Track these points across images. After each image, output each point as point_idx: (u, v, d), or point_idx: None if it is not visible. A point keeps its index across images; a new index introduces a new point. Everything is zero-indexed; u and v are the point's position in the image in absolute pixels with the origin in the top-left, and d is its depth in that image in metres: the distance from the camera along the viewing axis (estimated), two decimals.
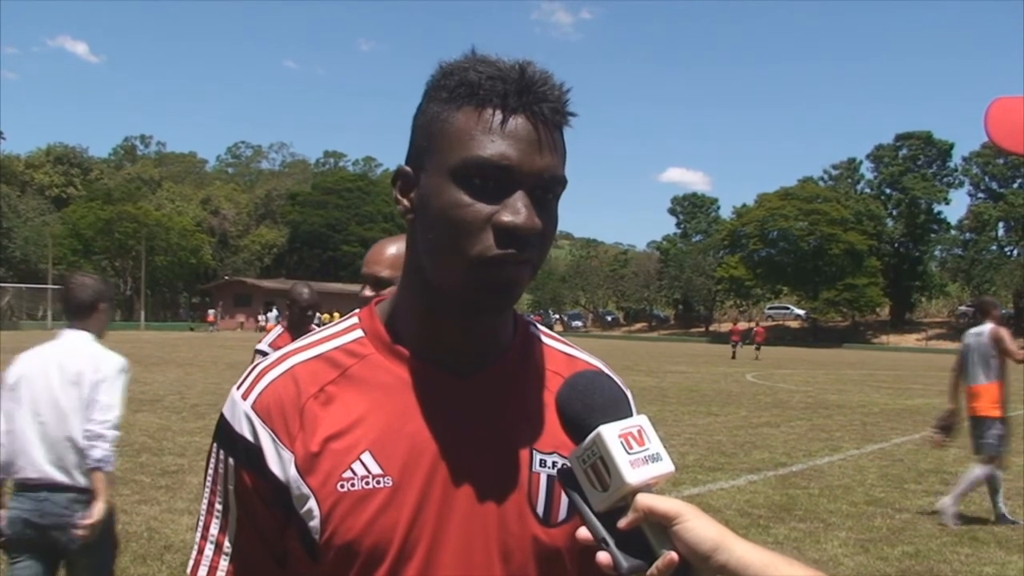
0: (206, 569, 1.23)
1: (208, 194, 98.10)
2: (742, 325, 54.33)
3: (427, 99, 1.18)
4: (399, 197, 1.21)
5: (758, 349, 47.41)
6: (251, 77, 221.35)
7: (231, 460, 1.20)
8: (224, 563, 1.22)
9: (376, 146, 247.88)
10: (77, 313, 4.23)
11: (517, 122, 1.11)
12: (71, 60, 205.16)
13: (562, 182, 1.15)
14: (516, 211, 1.09)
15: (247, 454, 1.18)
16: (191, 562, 1.25)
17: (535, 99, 1.12)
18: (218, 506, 1.23)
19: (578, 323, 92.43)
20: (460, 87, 1.13)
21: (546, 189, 1.13)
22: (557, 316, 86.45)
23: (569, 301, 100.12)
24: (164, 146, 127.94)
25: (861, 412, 18.55)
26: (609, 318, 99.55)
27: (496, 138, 1.10)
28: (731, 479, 10.28)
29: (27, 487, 3.95)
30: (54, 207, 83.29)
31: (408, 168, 1.20)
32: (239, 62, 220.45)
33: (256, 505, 1.19)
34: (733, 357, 44.80)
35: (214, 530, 1.23)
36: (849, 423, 16.39)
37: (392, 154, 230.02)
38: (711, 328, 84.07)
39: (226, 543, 1.22)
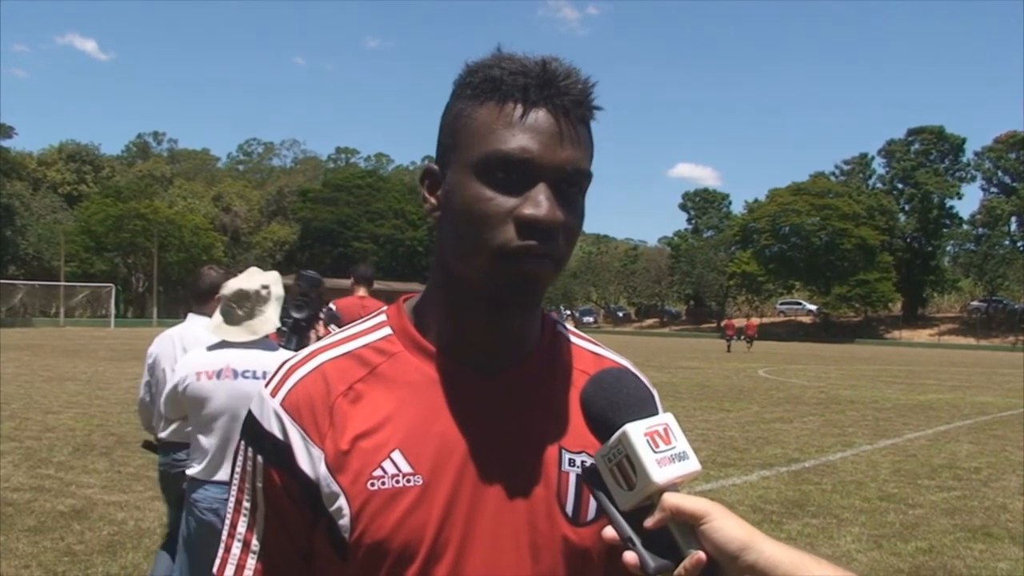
0: (233, 567, 1.23)
1: (219, 191, 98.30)
2: (739, 320, 55.09)
3: (454, 97, 1.18)
4: (427, 195, 1.21)
5: (750, 343, 48.57)
6: (261, 74, 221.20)
7: (259, 458, 1.20)
8: (252, 561, 1.22)
9: (389, 142, 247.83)
10: (198, 299, 4.94)
11: (538, 115, 1.11)
12: (80, 58, 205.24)
13: (586, 175, 1.15)
14: (537, 204, 1.08)
15: (276, 452, 1.18)
16: (217, 560, 1.25)
17: (556, 92, 1.12)
18: (246, 504, 1.23)
19: (589, 319, 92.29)
20: (484, 83, 1.13)
21: (570, 182, 1.13)
22: (569, 312, 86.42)
23: (580, 297, 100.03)
24: (176, 143, 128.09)
25: (874, 408, 18.48)
26: (620, 314, 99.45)
27: (517, 131, 1.10)
28: (743, 475, 10.26)
29: (163, 445, 4.69)
30: (66, 204, 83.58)
31: (435, 166, 1.20)
32: (247, 59, 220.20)
33: (284, 503, 1.19)
34: (728, 350, 45.81)
35: (241, 528, 1.23)
36: (862, 419, 16.34)
37: (404, 151, 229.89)
38: (723, 324, 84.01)
39: (254, 541, 1.22)
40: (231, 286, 3.97)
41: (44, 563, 6.26)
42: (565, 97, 1.12)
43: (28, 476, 9.09)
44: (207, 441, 3.86)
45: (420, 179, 1.23)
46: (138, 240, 74.56)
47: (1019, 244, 79.50)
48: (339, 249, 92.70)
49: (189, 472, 3.96)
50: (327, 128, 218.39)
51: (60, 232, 71.80)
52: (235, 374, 3.82)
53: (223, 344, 3.92)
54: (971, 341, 71.57)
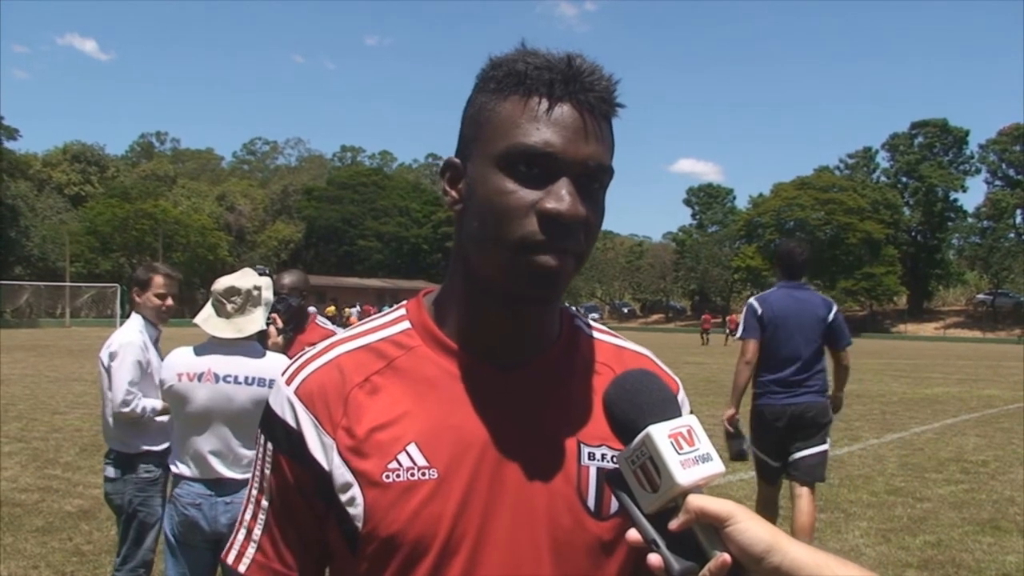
0: (238, 554, 1.24)
1: (224, 190, 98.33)
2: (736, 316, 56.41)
3: (476, 91, 1.18)
4: (447, 188, 1.21)
5: (728, 336, 50.03)
6: (262, 73, 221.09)
7: (271, 445, 1.21)
8: (254, 550, 1.23)
9: (393, 141, 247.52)
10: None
11: (563, 110, 1.11)
12: (81, 58, 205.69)
13: (608, 172, 1.15)
14: (560, 198, 1.08)
15: (288, 439, 1.18)
16: (228, 546, 1.26)
17: (581, 88, 1.12)
18: (256, 492, 1.24)
19: (595, 315, 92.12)
20: (508, 77, 1.13)
21: (592, 178, 1.12)
22: (574, 308, 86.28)
23: (585, 293, 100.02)
24: (179, 143, 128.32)
25: (880, 401, 18.45)
26: (625, 310, 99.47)
27: (541, 125, 1.10)
28: (750, 470, 10.20)
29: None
30: (71, 205, 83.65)
31: (457, 159, 1.20)
32: (247, 58, 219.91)
33: (294, 492, 1.19)
34: (704, 344, 47.45)
35: (249, 515, 1.24)
36: (868, 413, 16.30)
37: (407, 149, 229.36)
38: (728, 319, 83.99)
39: (257, 530, 1.23)
40: (223, 282, 4.01)
41: (52, 563, 6.27)
42: (590, 93, 1.12)
43: (35, 477, 9.11)
44: (188, 440, 3.92)
45: (441, 172, 1.23)
46: (144, 240, 74.62)
47: None
48: (344, 247, 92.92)
49: (173, 469, 4.02)
50: (332, 127, 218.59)
51: (65, 233, 71.81)
52: (216, 378, 3.86)
53: (208, 348, 3.97)
54: (977, 334, 71.50)
